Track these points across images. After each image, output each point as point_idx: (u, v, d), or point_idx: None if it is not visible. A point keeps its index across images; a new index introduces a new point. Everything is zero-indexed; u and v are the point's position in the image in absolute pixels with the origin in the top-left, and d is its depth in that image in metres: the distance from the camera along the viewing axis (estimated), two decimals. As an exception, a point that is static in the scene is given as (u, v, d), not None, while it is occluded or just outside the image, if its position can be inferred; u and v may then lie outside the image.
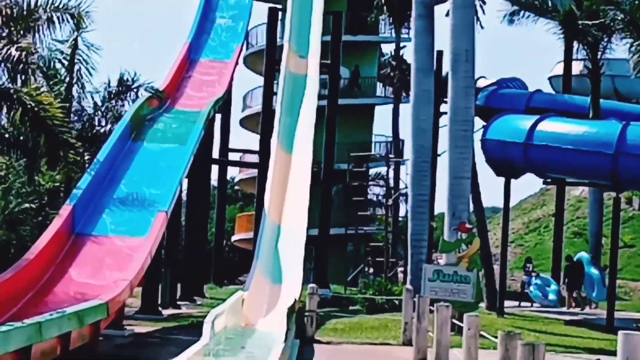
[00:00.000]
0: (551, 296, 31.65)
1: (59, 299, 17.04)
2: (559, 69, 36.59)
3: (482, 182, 30.45)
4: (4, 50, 20.65)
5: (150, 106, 25.95)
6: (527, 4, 35.70)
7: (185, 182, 25.30)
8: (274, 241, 22.77)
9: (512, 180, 27.07)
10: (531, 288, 32.20)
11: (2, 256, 29.65)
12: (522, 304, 31.33)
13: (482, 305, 25.06)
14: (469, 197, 22.88)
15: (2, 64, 20.96)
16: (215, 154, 33.40)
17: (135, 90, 27.57)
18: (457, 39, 21.88)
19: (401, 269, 35.46)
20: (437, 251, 26.37)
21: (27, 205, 28.31)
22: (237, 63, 31.12)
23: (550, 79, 41.20)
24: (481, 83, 33.17)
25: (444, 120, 28.57)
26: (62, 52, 26.79)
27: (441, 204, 50.59)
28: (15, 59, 20.71)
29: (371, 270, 40.70)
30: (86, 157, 25.29)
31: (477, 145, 27.07)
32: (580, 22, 30.22)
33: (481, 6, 31.20)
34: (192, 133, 24.20)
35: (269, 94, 33.20)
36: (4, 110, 22.25)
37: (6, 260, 21.91)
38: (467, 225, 20.95)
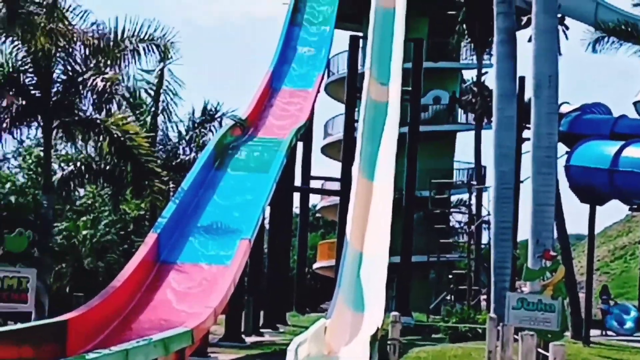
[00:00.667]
0: (629, 324, 31.03)
1: (145, 326, 17.27)
2: (644, 93, 35.99)
3: (566, 209, 30.07)
4: (90, 81, 21.10)
5: (233, 134, 26.23)
6: (613, 30, 35.33)
7: (267, 209, 25.48)
8: (356, 269, 22.74)
9: (597, 207, 26.71)
10: (607, 317, 31.62)
11: (90, 283, 30.18)
12: (608, 332, 30.78)
13: (568, 334, 24.69)
14: (553, 224, 22.62)
15: (89, 95, 21.43)
16: (298, 181, 33.58)
17: (218, 119, 27.93)
18: (540, 64, 21.72)
19: (484, 296, 35.12)
20: (520, 279, 26.08)
21: (113, 234, 28.77)
22: (318, 91, 31.33)
23: (635, 103, 40.45)
24: (564, 109, 32.81)
25: (526, 147, 28.31)
26: (148, 82, 27.28)
27: (524, 231, 49.92)
28: (101, 89, 21.14)
29: (454, 298, 40.38)
30: (171, 186, 25.63)
31: (561, 172, 26.83)
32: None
33: (564, 31, 30.94)
34: (274, 161, 24.39)
35: (350, 121, 33.29)
36: (92, 139, 22.72)
37: (94, 288, 22.27)
38: (552, 253, 20.67)
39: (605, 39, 34.61)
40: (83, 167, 25.50)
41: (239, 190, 23.17)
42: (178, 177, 25.91)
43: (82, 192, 35.02)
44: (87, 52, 21.71)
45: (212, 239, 21.17)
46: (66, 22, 21.36)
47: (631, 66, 35.12)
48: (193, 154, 27.72)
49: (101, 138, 22.52)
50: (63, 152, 30.86)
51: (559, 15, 29.14)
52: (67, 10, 21.71)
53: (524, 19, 30.53)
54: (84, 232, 34.81)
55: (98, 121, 22.23)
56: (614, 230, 65.47)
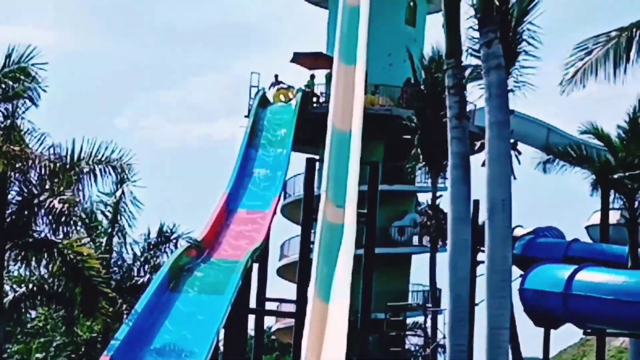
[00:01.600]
0: None
1: None
2: (596, 218, 36.58)
3: (521, 332, 30.16)
4: (47, 203, 21.07)
5: (188, 256, 26.17)
6: (562, 154, 36.06)
7: (222, 332, 25.24)
8: (311, 393, 22.48)
9: (552, 330, 26.81)
10: None
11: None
12: None
13: None
14: (508, 347, 22.58)
15: (45, 216, 21.36)
16: (253, 303, 33.34)
17: (174, 240, 27.88)
18: (493, 189, 21.99)
19: (441, 421, 34.78)
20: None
21: (65, 356, 28.30)
22: (275, 213, 31.42)
23: (587, 227, 41.07)
24: (518, 232, 33.18)
25: (481, 269, 28.49)
26: (105, 204, 27.27)
27: (480, 355, 49.82)
28: (57, 210, 21.10)
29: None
30: (124, 308, 25.39)
31: (515, 295, 26.93)
32: (616, 174, 30.44)
33: (517, 156, 31.48)
34: (229, 283, 24.31)
35: (306, 243, 33.30)
36: (45, 261, 22.57)
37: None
38: (507, 377, 20.62)
39: (556, 161, 35.35)
40: (35, 289, 25.23)
41: (193, 313, 23.00)
42: (132, 299, 25.68)
43: (33, 314, 34.50)
44: (44, 174, 21.75)
45: (165, 362, 20.91)
46: (23, 145, 21.46)
47: (582, 191, 35.74)
48: (148, 276, 27.56)
49: (53, 259, 22.38)
50: (15, 274, 30.50)
51: (512, 141, 29.71)
52: (25, 133, 21.85)
53: (478, 143, 31.08)
54: (37, 355, 34.22)
55: (51, 243, 22.12)
56: (568, 354, 65.33)
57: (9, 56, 21.82)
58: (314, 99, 42.22)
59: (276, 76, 41.52)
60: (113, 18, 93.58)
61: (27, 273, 27.87)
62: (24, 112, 22.05)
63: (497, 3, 23.75)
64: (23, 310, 26.50)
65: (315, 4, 48.28)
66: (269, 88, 40.94)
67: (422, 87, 36.78)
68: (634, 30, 19.78)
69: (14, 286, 28.64)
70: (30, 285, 25.82)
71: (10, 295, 26.13)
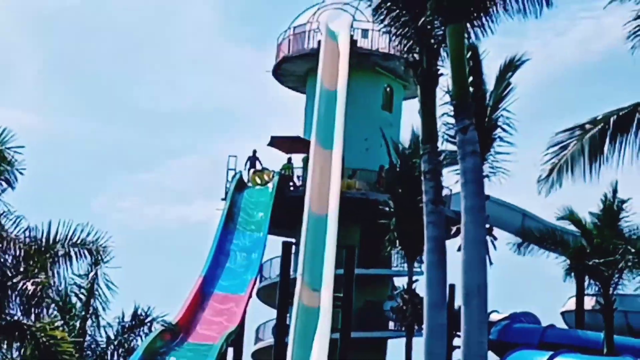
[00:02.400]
0: None
1: None
2: (572, 304, 36.67)
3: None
4: (20, 285, 20.94)
5: (163, 339, 26.03)
6: (537, 239, 36.25)
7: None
8: None
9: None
10: None
11: None
12: None
13: None
14: None
15: (18, 298, 21.21)
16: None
17: (148, 324, 27.65)
18: (469, 274, 21.99)
19: None
20: None
21: None
22: (250, 296, 31.34)
23: (562, 313, 41.11)
24: (494, 317, 33.19)
25: (457, 354, 28.39)
26: (79, 287, 27.09)
27: None
28: (30, 293, 20.96)
29: None
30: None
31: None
32: (591, 260, 30.60)
33: (492, 242, 31.60)
34: (203, 367, 24.13)
35: (282, 327, 33.15)
36: (16, 344, 22.33)
37: None
38: None
39: (530, 246, 35.52)
40: (6, 373, 24.88)
41: (167, 397, 22.78)
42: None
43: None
44: (18, 257, 21.67)
45: None
46: (-1, 228, 21.43)
47: (558, 276, 35.92)
48: (122, 359, 27.25)
49: (27, 342, 22.14)
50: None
51: (488, 226, 29.85)
52: (1, 215, 21.84)
53: (454, 228, 31.20)
54: None
55: (25, 326, 21.92)
56: None
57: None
58: (291, 183, 42.35)
59: (254, 151, 41.72)
60: (92, 99, 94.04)
61: (-1, 356, 27.58)
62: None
63: (472, 90, 24.13)
64: (-6, 394, 26.05)
65: (293, 89, 48.75)
66: (247, 162, 41.04)
67: (397, 171, 36.98)
68: (605, 125, 20.01)
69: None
70: (1, 369, 25.45)
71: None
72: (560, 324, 38.18)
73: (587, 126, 20.11)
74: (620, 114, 19.74)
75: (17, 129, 22.49)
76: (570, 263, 34.61)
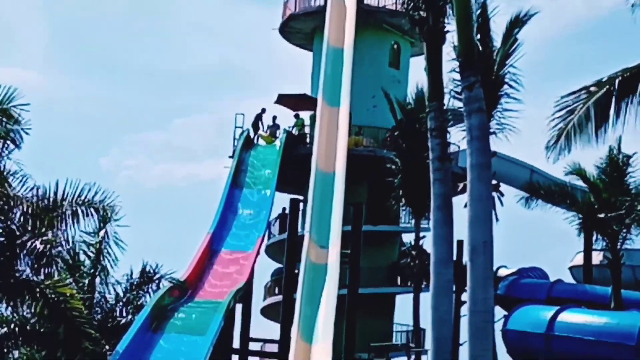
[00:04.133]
0: None
1: None
2: (580, 259, 36.78)
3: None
4: (29, 244, 21.11)
5: (171, 296, 26.16)
6: (545, 194, 36.29)
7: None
8: None
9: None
10: None
11: None
12: None
13: None
14: (491, 388, 22.61)
15: (27, 257, 21.39)
16: (236, 343, 33.26)
17: (157, 281, 27.83)
18: (475, 230, 22.13)
19: None
20: None
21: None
22: (258, 253, 31.45)
23: (570, 268, 41.27)
24: (502, 272, 33.33)
25: (464, 310, 28.58)
26: (88, 245, 27.24)
27: (465, 395, 49.70)
28: (39, 251, 21.13)
29: None
30: (107, 348, 25.31)
31: (499, 336, 26.98)
32: (598, 214, 30.63)
33: (499, 198, 31.69)
34: (212, 323, 24.30)
35: (289, 283, 33.31)
36: (26, 301, 22.55)
37: None
38: (488, 418, 20.65)
39: (538, 201, 35.55)
40: (17, 329, 25.16)
41: (175, 353, 23.00)
42: (115, 339, 25.61)
43: (16, 354, 34.32)
44: (26, 216, 21.80)
45: (147, 403, 20.88)
46: (6, 185, 21.52)
47: (566, 231, 35.98)
48: (130, 316, 27.48)
49: (36, 300, 22.36)
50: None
51: (495, 182, 29.89)
52: (7, 174, 21.92)
53: (461, 185, 31.25)
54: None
55: (33, 283, 22.13)
56: (554, 394, 65.23)
57: (-10, 98, 21.91)
58: (305, 140, 42.29)
59: (263, 110, 41.68)
60: (98, 60, 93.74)
61: (10, 313, 27.82)
62: (6, 155, 22.11)
63: (479, 46, 24.07)
64: (5, 350, 26.35)
65: (299, 46, 48.60)
66: (255, 120, 40.99)
67: (403, 128, 36.98)
68: (610, 87, 19.96)
69: (-3, 326, 28.55)
70: (13, 326, 25.73)
71: (-7, 336, 26.02)
72: (568, 279, 38.32)
73: (593, 89, 20.08)
74: (625, 75, 19.68)
75: (22, 88, 22.55)
76: (578, 218, 34.69)
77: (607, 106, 19.96)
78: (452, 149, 37.25)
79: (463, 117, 22.56)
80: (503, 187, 35.50)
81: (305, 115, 43.48)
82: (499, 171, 29.73)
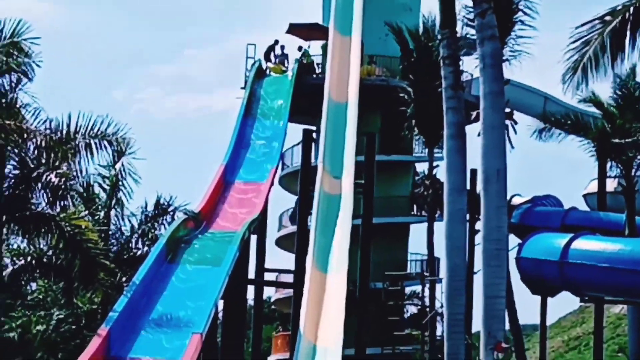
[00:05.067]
0: None
1: None
2: (594, 187, 36.72)
3: (522, 299, 30.39)
4: (44, 177, 21.18)
5: (186, 228, 26.28)
6: (559, 122, 36.10)
7: (220, 303, 25.41)
8: (310, 362, 22.67)
9: (551, 298, 27.00)
10: None
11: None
12: None
13: None
14: (505, 316, 22.76)
15: (42, 190, 21.49)
16: (252, 274, 33.51)
17: (171, 213, 27.96)
18: (488, 159, 22.08)
19: (440, 388, 35.02)
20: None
21: (64, 328, 28.49)
22: (272, 184, 31.50)
23: (585, 196, 41.25)
24: (516, 201, 33.33)
25: (478, 238, 28.65)
26: (103, 177, 27.33)
27: (478, 323, 50.03)
28: (54, 184, 21.22)
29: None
30: (123, 280, 25.56)
31: (513, 264, 27.09)
32: (613, 140, 30.48)
33: (512, 126, 31.54)
34: (227, 254, 24.43)
35: (303, 214, 33.45)
36: (42, 234, 22.72)
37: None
38: (503, 345, 20.82)
39: (552, 130, 35.38)
40: (34, 261, 25.41)
41: (191, 284, 23.16)
42: (130, 270, 25.83)
43: (34, 286, 34.67)
44: (40, 149, 21.85)
45: (163, 333, 21.09)
46: (19, 118, 21.54)
47: (580, 159, 35.93)
48: (145, 248, 27.68)
49: (52, 232, 22.53)
50: (15, 247, 30.67)
51: (508, 110, 29.73)
52: (22, 107, 21.93)
53: (473, 113, 31.10)
54: (38, 328, 34.33)
55: (49, 216, 22.27)
56: (568, 321, 65.67)
57: (0, 31, 21.80)
58: (318, 71, 42.08)
59: (276, 41, 41.42)
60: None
61: (26, 246, 28.07)
62: (19, 88, 22.08)
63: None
64: (23, 282, 26.65)
65: (311, -25, 48.13)
66: (267, 51, 40.76)
67: (415, 57, 36.70)
68: (624, 15, 19.70)
69: (14, 259, 28.81)
70: (29, 258, 25.98)
71: (10, 268, 26.30)
72: (582, 207, 38.32)
73: (607, 18, 19.84)
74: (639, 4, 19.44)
75: (34, 21, 22.45)
76: (592, 145, 34.57)
77: (623, 35, 19.75)
78: (465, 77, 37.07)
79: (475, 44, 22.37)
80: (517, 115, 35.34)
81: (316, 44, 43.20)
82: (512, 99, 29.53)
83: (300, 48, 42.11)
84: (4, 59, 21.58)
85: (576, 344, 58.47)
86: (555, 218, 31.57)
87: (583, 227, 29.69)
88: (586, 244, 26.00)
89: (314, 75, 41.70)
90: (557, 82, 21.01)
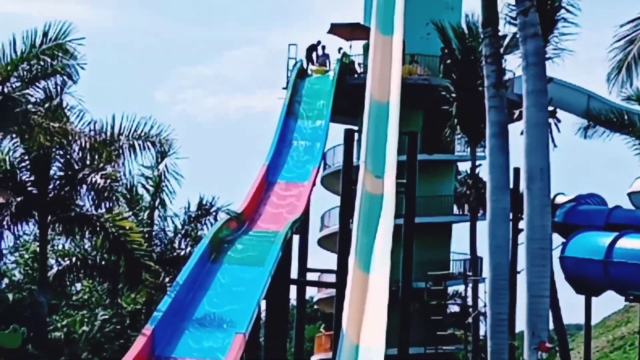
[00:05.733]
0: None
1: None
2: (638, 185, 36.33)
3: (566, 299, 30.15)
4: (90, 178, 21.41)
5: (228, 228, 26.36)
6: (603, 120, 35.84)
7: (263, 303, 25.47)
8: (352, 362, 22.64)
9: (595, 297, 26.80)
10: None
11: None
12: None
13: None
14: (549, 315, 22.63)
15: (88, 191, 21.72)
16: (294, 274, 33.54)
17: (214, 213, 28.12)
18: (531, 157, 21.98)
19: (483, 389, 34.87)
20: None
21: (109, 328, 28.77)
22: (314, 184, 31.51)
23: (629, 194, 40.81)
24: (559, 200, 33.03)
25: (522, 238, 28.49)
26: (146, 177, 27.56)
27: (522, 322, 49.77)
28: (100, 186, 21.43)
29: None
30: (167, 280, 25.73)
31: (557, 263, 26.89)
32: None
33: (556, 124, 31.37)
34: (269, 254, 24.47)
35: (345, 214, 33.40)
36: (87, 235, 22.96)
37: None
38: (547, 345, 20.70)
39: (597, 128, 35.12)
40: (78, 262, 25.67)
41: (234, 284, 23.23)
42: (174, 270, 26.00)
43: (78, 286, 35.04)
44: (84, 150, 22.06)
45: (207, 333, 21.17)
46: (64, 121, 21.75)
47: (625, 157, 35.57)
48: (189, 248, 27.86)
49: (96, 233, 22.75)
50: (60, 247, 31.01)
51: (551, 108, 29.56)
52: (66, 109, 22.15)
53: (516, 112, 30.95)
54: (83, 328, 34.73)
55: (93, 217, 22.50)
56: (612, 320, 65.16)
57: (46, 34, 22.01)
58: (354, 70, 42.09)
59: (318, 42, 41.43)
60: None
61: (71, 246, 28.38)
62: (63, 91, 22.30)
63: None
64: (67, 282, 26.92)
65: (352, -25, 48.11)
66: (308, 51, 40.78)
67: (457, 56, 36.60)
68: None
69: (59, 259, 29.14)
70: (74, 259, 26.24)
71: (55, 269, 26.59)
72: (627, 205, 37.93)
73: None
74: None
75: (75, 23, 22.61)
76: (638, 143, 34.28)
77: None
78: (508, 75, 36.89)
79: (518, 43, 22.28)
80: (560, 114, 35.11)
81: (358, 44, 43.21)
82: (555, 97, 29.35)
83: (340, 49, 42.14)
84: (49, 61, 21.80)
85: (621, 343, 58.01)
86: (600, 217, 31.25)
87: (627, 225, 29.38)
88: (631, 243, 25.76)
89: (356, 75, 41.72)
90: (601, 79, 20.91)
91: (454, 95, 36.34)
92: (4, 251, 37.37)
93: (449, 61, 37.31)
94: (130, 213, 26.78)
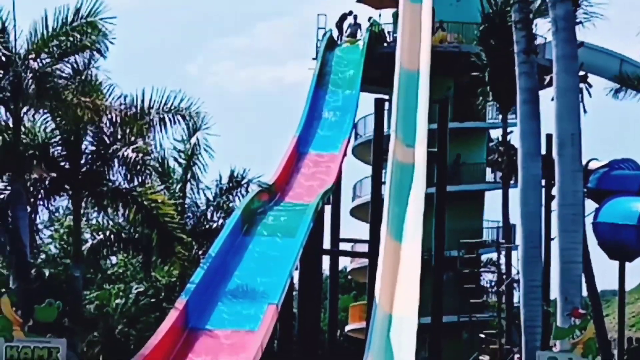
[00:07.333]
0: None
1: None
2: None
3: (603, 264, 29.96)
4: (121, 153, 21.53)
5: (260, 200, 26.42)
6: (637, 84, 35.46)
7: (296, 273, 25.56)
8: (386, 331, 22.69)
9: (631, 262, 26.68)
10: None
11: (122, 351, 30.34)
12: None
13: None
14: (581, 281, 22.57)
15: (120, 166, 21.85)
16: (327, 244, 33.58)
17: (245, 185, 28.19)
18: (562, 123, 21.86)
19: (517, 355, 34.85)
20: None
21: (144, 302, 29.03)
22: (345, 154, 31.46)
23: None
24: (593, 165, 32.81)
25: (555, 203, 28.36)
26: (178, 151, 27.66)
27: (556, 289, 49.58)
28: (132, 160, 21.55)
29: (487, 358, 40.12)
30: (200, 252, 25.87)
31: (589, 229, 26.77)
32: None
33: (587, 89, 31.06)
34: (301, 225, 24.52)
35: (377, 183, 33.35)
36: (120, 209, 23.12)
37: (126, 355, 22.45)
38: (580, 311, 20.63)
39: (627, 91, 34.76)
40: (112, 236, 25.86)
41: (266, 255, 23.32)
42: (207, 243, 26.14)
43: (113, 260, 35.32)
44: (115, 125, 22.17)
45: (240, 304, 21.28)
46: (95, 95, 21.85)
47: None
48: (221, 220, 27.98)
49: (129, 207, 22.89)
50: (94, 222, 31.26)
51: (582, 73, 29.29)
52: (97, 83, 22.25)
53: (547, 78, 30.71)
54: (117, 301, 35.03)
55: (125, 191, 22.64)
56: (648, 285, 64.82)
57: (77, 11, 22.08)
58: (385, 38, 41.88)
59: (350, 12, 41.25)
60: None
61: (105, 221, 28.60)
62: (93, 66, 22.39)
63: None
64: (102, 256, 27.15)
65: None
66: (339, 21, 40.60)
67: (489, 22, 36.29)
68: None
69: (93, 233, 29.39)
70: (108, 233, 26.44)
71: (89, 243, 26.82)
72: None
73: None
74: None
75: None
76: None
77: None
78: (539, 41, 36.58)
79: (548, 7, 22.10)
80: (591, 78, 34.76)
81: (387, 13, 43.01)
82: (586, 62, 29.04)
83: (370, 19, 41.95)
84: (79, 37, 21.87)
85: (657, 308, 57.74)
86: (634, 182, 31.01)
87: (662, 190, 29.15)
88: (665, 208, 25.60)
89: (385, 44, 41.51)
90: (634, 42, 20.68)
91: (484, 62, 36.07)
92: (40, 226, 37.76)
93: (484, 27, 36.91)
94: (163, 186, 26.90)
